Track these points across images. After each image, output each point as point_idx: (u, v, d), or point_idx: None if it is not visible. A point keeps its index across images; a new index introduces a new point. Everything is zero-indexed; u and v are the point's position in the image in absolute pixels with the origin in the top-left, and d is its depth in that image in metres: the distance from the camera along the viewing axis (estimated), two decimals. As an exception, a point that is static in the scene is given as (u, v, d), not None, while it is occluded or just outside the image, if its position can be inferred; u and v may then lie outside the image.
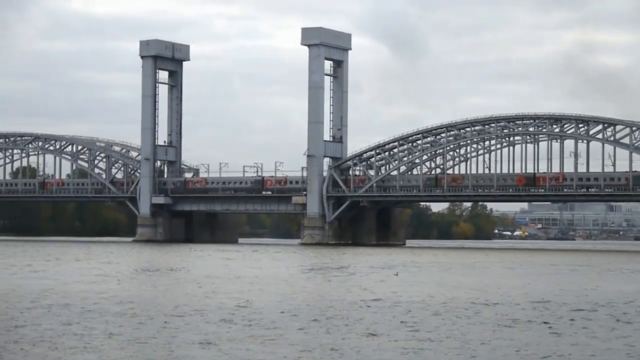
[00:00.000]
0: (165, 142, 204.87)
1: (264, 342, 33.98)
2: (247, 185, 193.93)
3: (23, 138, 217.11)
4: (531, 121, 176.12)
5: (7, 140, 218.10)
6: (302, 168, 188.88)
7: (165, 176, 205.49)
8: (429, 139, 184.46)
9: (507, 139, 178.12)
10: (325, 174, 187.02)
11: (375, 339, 35.07)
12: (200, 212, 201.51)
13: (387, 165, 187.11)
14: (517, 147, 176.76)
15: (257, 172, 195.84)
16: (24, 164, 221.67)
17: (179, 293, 56.67)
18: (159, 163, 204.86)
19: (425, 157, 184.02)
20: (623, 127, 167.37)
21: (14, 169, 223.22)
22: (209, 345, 32.80)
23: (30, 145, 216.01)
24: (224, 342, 33.82)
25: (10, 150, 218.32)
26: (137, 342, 33.66)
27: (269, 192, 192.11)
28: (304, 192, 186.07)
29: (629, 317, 44.90)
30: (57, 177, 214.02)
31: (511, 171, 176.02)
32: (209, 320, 40.80)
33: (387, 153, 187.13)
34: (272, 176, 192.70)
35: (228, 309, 45.96)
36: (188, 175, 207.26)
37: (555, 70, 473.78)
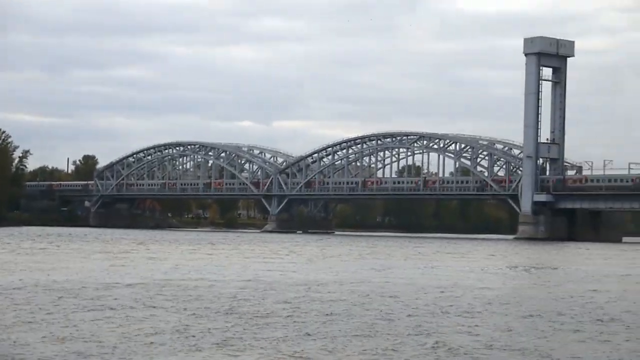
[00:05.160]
0: (547, 139, 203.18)
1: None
2: (630, 183, 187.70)
3: (409, 137, 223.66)
4: None
5: (393, 139, 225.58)
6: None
7: (547, 174, 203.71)
8: None
9: None
10: None
11: None
12: (583, 210, 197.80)
13: None
14: None
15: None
16: (409, 162, 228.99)
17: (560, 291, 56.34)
18: (541, 161, 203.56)
19: None
20: None
21: (400, 168, 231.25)
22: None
23: (415, 144, 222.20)
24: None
25: (396, 149, 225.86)
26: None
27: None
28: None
29: None
30: (440, 175, 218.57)
31: None
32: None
33: None
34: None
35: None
36: (570, 172, 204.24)
37: None
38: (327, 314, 38.85)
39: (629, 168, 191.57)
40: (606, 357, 29.27)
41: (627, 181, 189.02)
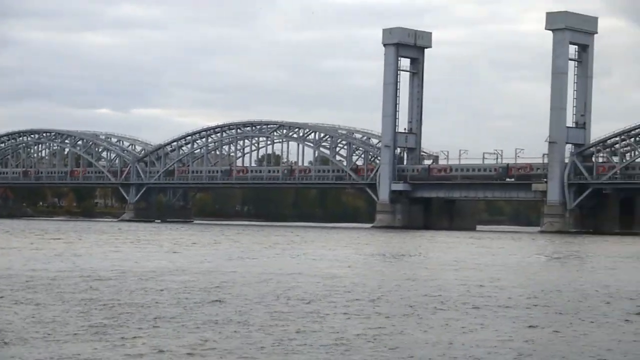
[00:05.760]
0: (405, 129, 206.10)
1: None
2: (491, 172, 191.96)
3: (268, 126, 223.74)
4: None
5: (253, 128, 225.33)
6: (543, 155, 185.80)
7: (405, 163, 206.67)
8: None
9: None
10: (567, 160, 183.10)
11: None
12: (439, 199, 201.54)
13: (633, 152, 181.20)
14: None
15: (496, 159, 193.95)
16: (269, 151, 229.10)
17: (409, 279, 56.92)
18: (398, 150, 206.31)
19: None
20: None
21: (260, 156, 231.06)
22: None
23: (275, 133, 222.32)
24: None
25: (256, 138, 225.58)
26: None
27: (512, 180, 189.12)
28: (545, 180, 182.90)
29: None
30: (300, 164, 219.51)
31: None
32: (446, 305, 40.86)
33: (632, 139, 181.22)
34: (516, 163, 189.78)
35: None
36: (427, 162, 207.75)
37: None
38: (175, 302, 38.28)
39: (484, 158, 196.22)
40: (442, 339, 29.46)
41: (487, 170, 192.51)
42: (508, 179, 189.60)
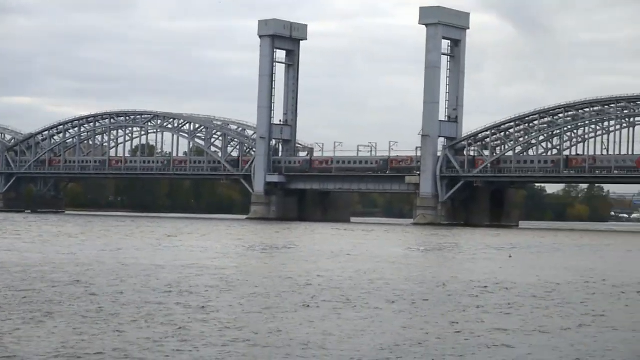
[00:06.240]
0: (281, 121, 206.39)
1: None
2: (372, 165, 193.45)
3: (143, 116, 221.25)
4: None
5: (127, 118, 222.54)
6: (417, 148, 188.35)
7: (280, 155, 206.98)
8: (546, 119, 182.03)
9: (627, 119, 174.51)
10: (439, 154, 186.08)
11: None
12: (313, 191, 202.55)
13: (503, 146, 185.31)
14: (638, 128, 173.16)
15: (371, 151, 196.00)
16: (143, 141, 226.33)
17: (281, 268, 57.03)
18: (274, 142, 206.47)
19: (542, 137, 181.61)
20: None
21: (134, 147, 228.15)
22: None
23: (149, 124, 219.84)
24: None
25: (130, 128, 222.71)
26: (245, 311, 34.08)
27: (395, 173, 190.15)
28: (418, 172, 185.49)
29: None
30: (175, 155, 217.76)
31: (630, 153, 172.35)
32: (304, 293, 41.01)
33: (502, 133, 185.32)
34: (397, 156, 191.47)
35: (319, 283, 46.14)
36: (302, 154, 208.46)
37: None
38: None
39: (358, 150, 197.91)
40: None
41: (369, 163, 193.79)
42: (389, 172, 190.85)
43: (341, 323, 32.46)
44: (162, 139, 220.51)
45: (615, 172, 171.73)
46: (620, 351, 28.04)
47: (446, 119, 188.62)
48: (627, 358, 27.27)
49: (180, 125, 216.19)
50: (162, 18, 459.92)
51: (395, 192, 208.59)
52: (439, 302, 40.42)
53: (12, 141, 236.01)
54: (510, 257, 76.98)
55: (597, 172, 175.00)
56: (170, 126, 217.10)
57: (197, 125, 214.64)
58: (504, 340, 29.41)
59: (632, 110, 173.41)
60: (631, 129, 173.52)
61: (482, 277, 53.92)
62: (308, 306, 37.14)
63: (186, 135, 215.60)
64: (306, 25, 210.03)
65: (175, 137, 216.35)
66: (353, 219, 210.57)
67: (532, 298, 42.87)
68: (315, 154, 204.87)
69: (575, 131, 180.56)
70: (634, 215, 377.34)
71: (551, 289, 47.48)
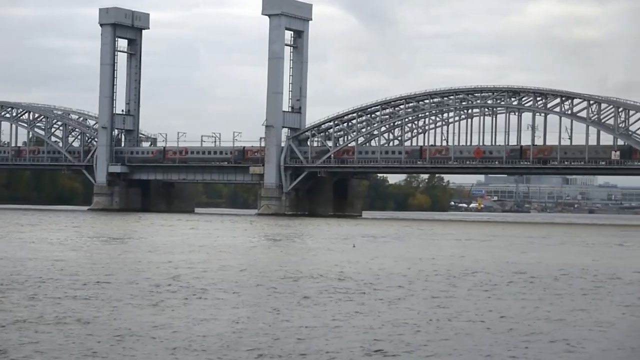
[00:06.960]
0: (123, 110, 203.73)
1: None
2: (227, 155, 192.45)
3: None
4: (490, 94, 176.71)
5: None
6: (261, 138, 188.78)
7: (123, 145, 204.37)
8: (387, 110, 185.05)
9: (465, 111, 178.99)
10: (283, 144, 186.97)
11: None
12: (157, 182, 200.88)
13: (346, 137, 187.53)
14: (475, 119, 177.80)
15: (215, 141, 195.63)
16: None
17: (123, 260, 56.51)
18: (116, 132, 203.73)
19: (383, 128, 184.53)
20: (581, 100, 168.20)
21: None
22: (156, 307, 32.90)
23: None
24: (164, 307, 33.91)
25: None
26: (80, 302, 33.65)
27: (250, 163, 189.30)
28: (261, 163, 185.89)
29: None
30: (13, 144, 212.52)
31: (468, 144, 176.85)
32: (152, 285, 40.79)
33: (345, 124, 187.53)
34: (252, 147, 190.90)
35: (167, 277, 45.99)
36: (145, 144, 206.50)
37: (528, 42, 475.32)
38: None
39: (202, 140, 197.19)
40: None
41: (224, 153, 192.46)
42: (243, 163, 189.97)
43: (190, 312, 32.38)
44: (0, 128, 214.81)
45: (454, 162, 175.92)
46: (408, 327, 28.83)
47: (290, 110, 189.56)
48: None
49: (19, 115, 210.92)
50: (3, 4, 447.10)
51: (240, 182, 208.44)
52: (275, 292, 40.71)
53: None
54: (354, 246, 77.96)
55: (437, 162, 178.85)
56: (8, 115, 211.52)
57: (36, 115, 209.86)
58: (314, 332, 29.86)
59: (470, 102, 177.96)
60: (469, 120, 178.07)
61: (325, 267, 54.52)
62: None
63: (25, 125, 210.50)
64: (148, 14, 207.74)
65: (14, 126, 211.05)
66: (197, 209, 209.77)
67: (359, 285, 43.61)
68: (158, 144, 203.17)
69: (416, 122, 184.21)
70: (472, 205, 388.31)
71: (382, 277, 48.44)
